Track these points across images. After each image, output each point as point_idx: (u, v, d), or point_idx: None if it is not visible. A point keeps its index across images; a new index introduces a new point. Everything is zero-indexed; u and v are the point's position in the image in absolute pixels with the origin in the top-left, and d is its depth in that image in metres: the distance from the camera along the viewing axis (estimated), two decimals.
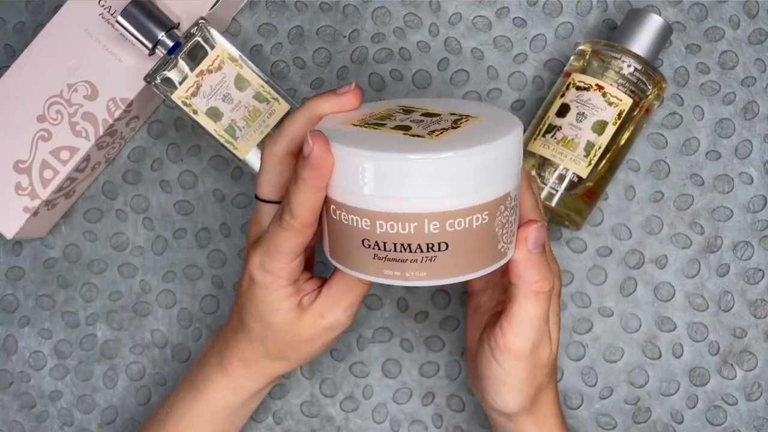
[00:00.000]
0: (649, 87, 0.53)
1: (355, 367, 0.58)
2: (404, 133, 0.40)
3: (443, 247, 0.40)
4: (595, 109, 0.52)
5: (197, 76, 0.53)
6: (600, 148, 0.52)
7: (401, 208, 0.39)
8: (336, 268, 0.45)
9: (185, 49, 0.53)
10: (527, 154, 0.54)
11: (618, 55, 0.53)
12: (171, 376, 0.59)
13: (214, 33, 0.53)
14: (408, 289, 0.58)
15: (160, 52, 0.53)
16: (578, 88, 0.53)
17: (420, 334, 0.58)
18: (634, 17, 0.54)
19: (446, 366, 0.58)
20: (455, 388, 0.58)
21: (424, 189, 0.39)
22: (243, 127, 0.54)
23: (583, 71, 0.53)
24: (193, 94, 0.53)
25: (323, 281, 0.47)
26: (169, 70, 0.53)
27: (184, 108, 0.53)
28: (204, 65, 0.53)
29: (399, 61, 0.59)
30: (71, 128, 0.54)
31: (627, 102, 0.52)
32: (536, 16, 0.59)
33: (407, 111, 0.43)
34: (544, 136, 0.53)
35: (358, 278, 0.44)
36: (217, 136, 0.54)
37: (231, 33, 0.59)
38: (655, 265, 0.57)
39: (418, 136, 0.40)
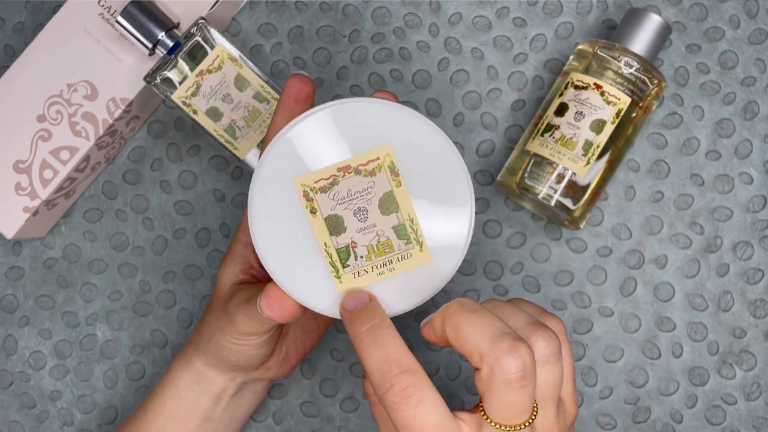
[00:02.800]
0: (648, 86, 0.53)
1: (356, 367, 0.58)
2: (326, 250, 0.41)
3: None
4: (594, 108, 0.52)
5: (197, 76, 0.53)
6: (598, 147, 0.52)
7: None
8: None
9: (185, 49, 0.53)
10: (525, 153, 0.53)
11: (617, 55, 0.53)
12: None
13: (214, 33, 0.53)
14: None
15: (160, 52, 0.53)
16: (576, 87, 0.53)
17: (420, 333, 0.58)
18: (633, 17, 0.54)
19: (446, 366, 0.58)
20: (455, 388, 0.58)
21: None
22: (243, 127, 0.54)
23: (583, 71, 0.53)
24: (193, 94, 0.53)
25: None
26: (169, 70, 0.53)
27: (184, 108, 0.53)
28: (204, 65, 0.53)
29: (399, 61, 0.59)
30: (71, 128, 0.55)
31: (625, 101, 0.52)
32: (536, 16, 0.59)
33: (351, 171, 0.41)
34: (542, 135, 0.53)
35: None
36: (217, 136, 0.54)
37: (231, 33, 0.59)
38: (655, 265, 0.57)
39: (335, 266, 0.41)
